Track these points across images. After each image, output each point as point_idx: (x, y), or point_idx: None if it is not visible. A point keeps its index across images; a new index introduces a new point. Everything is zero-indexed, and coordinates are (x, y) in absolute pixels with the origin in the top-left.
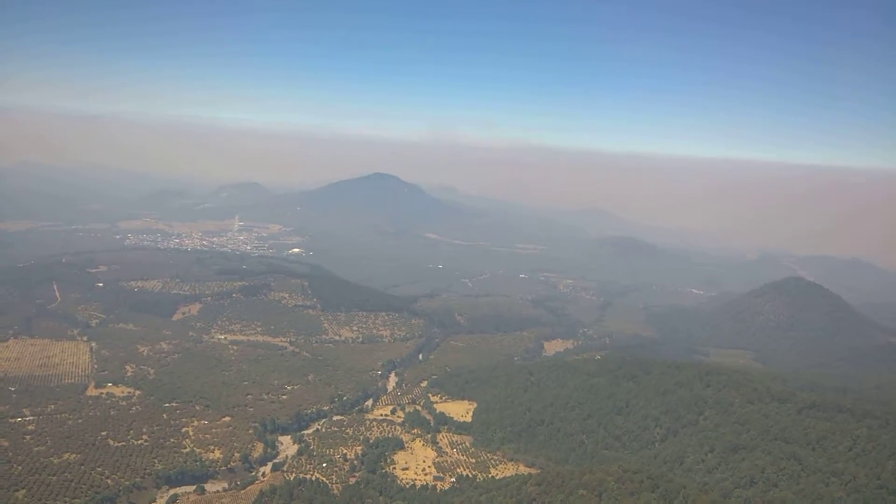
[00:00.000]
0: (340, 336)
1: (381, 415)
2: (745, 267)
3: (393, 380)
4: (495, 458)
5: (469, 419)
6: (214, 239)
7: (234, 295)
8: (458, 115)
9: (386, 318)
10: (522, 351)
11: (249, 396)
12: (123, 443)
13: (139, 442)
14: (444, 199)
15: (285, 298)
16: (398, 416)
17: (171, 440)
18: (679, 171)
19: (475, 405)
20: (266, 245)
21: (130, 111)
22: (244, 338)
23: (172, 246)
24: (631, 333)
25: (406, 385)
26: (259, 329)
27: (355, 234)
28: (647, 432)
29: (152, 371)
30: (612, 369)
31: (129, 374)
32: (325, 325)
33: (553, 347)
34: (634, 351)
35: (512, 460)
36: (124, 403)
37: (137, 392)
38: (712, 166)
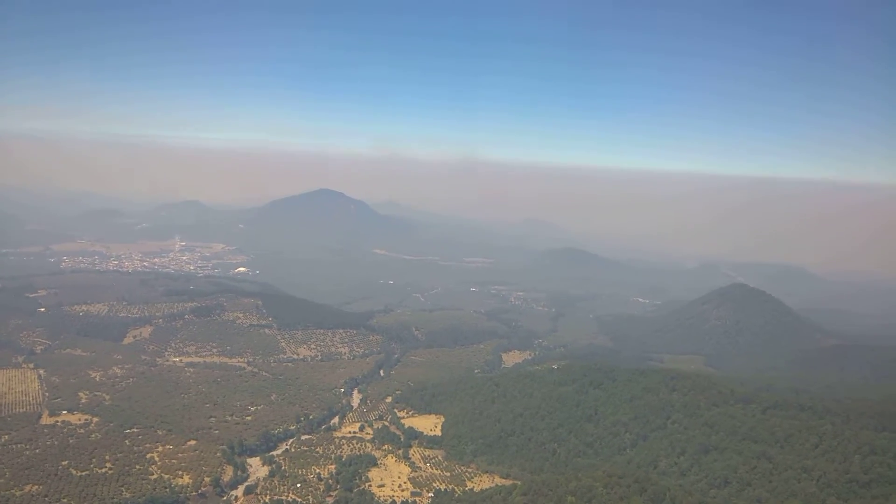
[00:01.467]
0: (299, 354)
1: (350, 432)
2: (685, 275)
3: (357, 397)
4: (469, 470)
5: (439, 433)
6: (156, 260)
7: (186, 316)
8: (402, 131)
9: (343, 335)
10: (482, 363)
11: (213, 419)
12: (87, 472)
13: (103, 470)
14: (390, 215)
15: (239, 318)
16: (367, 433)
17: (137, 467)
18: (615, 181)
19: (443, 419)
20: (210, 265)
21: (55, 129)
22: (200, 359)
23: (112, 268)
24: (585, 343)
25: (371, 401)
26: (215, 350)
27: (302, 252)
28: (617, 438)
29: (108, 397)
30: (578, 378)
31: (83, 400)
32: (283, 343)
33: (511, 359)
34: (592, 360)
35: (486, 472)
36: (82, 431)
37: (95, 419)
38: (646, 177)
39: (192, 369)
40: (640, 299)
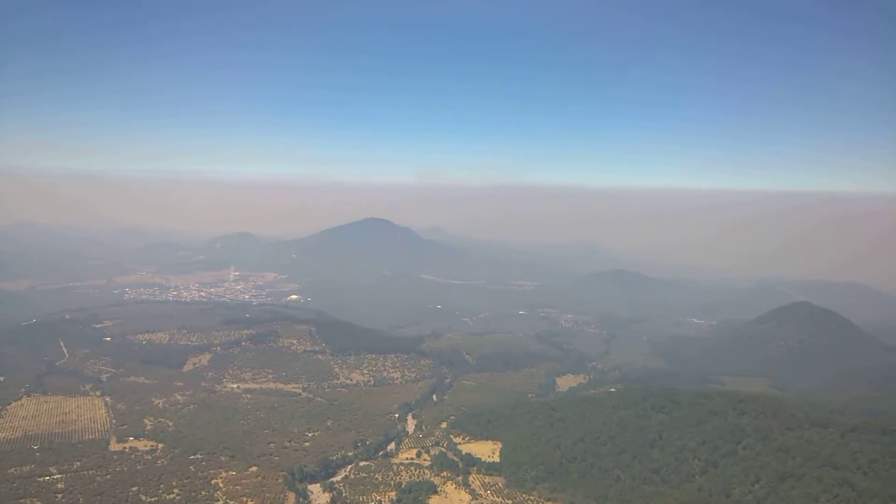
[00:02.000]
0: (352, 380)
1: (407, 458)
2: (736, 293)
3: (411, 422)
4: (531, 498)
5: (497, 459)
6: (212, 290)
7: (243, 343)
8: (443, 158)
9: (395, 359)
10: (535, 387)
11: (272, 445)
12: (155, 497)
13: (171, 496)
14: (435, 240)
15: (294, 344)
16: (424, 460)
17: (203, 493)
18: (647, 198)
19: (500, 445)
20: (264, 293)
21: (119, 168)
22: (256, 386)
23: (171, 298)
24: (640, 366)
25: (426, 427)
26: (271, 376)
27: (351, 279)
28: (685, 464)
29: (171, 423)
30: (638, 401)
31: (148, 427)
32: (336, 369)
33: (565, 383)
34: (651, 383)
35: (549, 500)
36: (149, 457)
37: (160, 445)
38: (679, 194)
39: (249, 395)
40: (695, 320)
